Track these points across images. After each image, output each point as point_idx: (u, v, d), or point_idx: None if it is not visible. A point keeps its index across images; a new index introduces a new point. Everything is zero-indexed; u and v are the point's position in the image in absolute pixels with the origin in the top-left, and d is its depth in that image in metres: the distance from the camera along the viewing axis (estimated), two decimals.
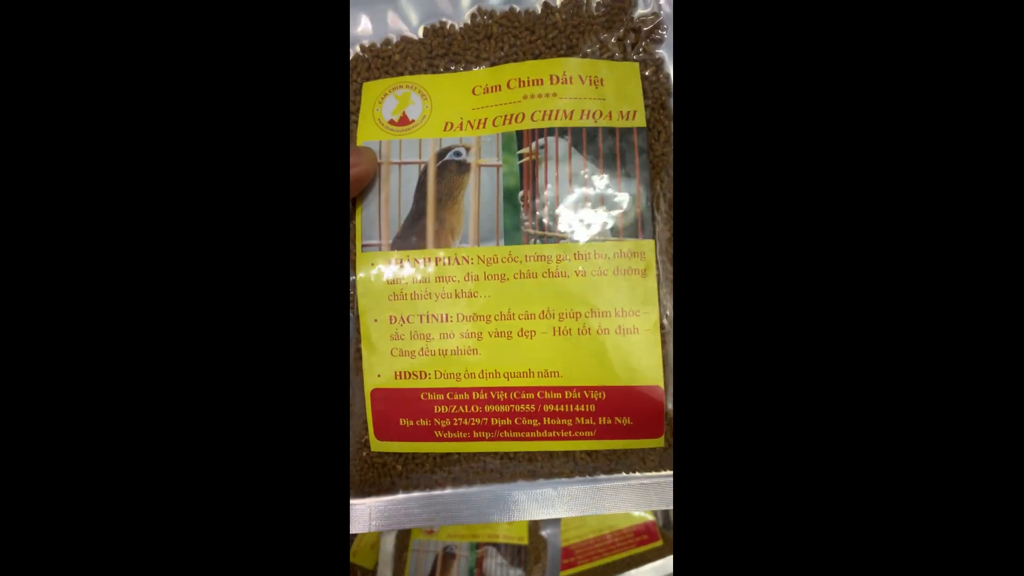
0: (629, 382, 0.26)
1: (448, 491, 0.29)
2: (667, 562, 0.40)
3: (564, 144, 0.27)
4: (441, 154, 0.28)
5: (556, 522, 0.43)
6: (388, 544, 0.41)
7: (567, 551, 0.41)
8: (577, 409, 0.27)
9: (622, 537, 0.42)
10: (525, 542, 0.42)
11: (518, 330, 0.27)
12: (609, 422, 0.27)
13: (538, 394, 0.27)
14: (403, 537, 0.41)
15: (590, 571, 0.40)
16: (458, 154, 0.28)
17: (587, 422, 0.27)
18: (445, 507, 0.29)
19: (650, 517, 0.44)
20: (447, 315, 0.27)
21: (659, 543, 0.42)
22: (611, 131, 0.27)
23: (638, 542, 0.41)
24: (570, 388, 0.27)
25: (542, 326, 0.26)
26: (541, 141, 0.27)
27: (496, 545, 0.41)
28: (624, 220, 0.27)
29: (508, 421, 0.27)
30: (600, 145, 0.27)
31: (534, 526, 0.42)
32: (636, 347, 0.26)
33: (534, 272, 0.27)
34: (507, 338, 0.27)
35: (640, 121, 0.27)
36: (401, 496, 0.29)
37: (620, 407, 0.26)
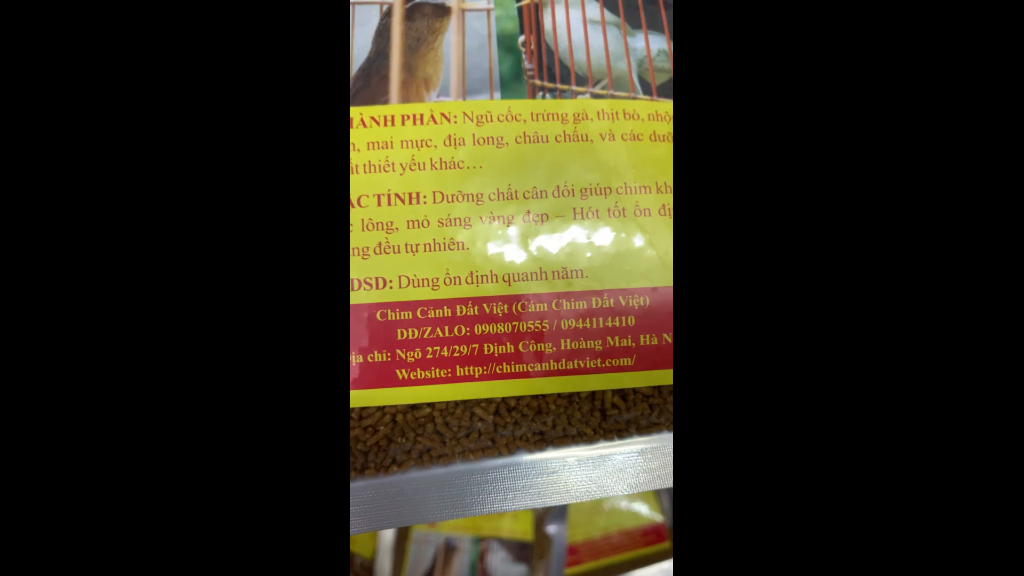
0: None
1: (411, 474, 0.19)
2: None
3: None
4: None
5: (563, 519, 0.39)
6: (387, 533, 0.39)
7: (572, 549, 0.38)
8: (610, 324, 0.18)
9: (629, 537, 0.38)
10: (530, 538, 0.38)
11: (523, 213, 0.19)
12: (655, 341, 0.19)
13: (553, 304, 0.18)
14: (403, 527, 0.38)
15: (595, 570, 0.37)
16: None
17: (624, 343, 0.18)
18: (403, 501, 0.19)
19: (659, 518, 0.39)
20: (419, 194, 0.18)
21: (667, 544, 0.38)
22: None
23: (645, 542, 0.38)
24: (599, 293, 0.18)
25: (557, 207, 0.19)
26: None
27: (499, 540, 0.38)
28: (658, 78, 0.20)
29: (509, 347, 0.18)
30: None
31: (539, 522, 0.39)
32: None
33: (544, 135, 0.19)
34: (507, 224, 0.18)
35: None
36: None
37: (670, 317, 0.19)
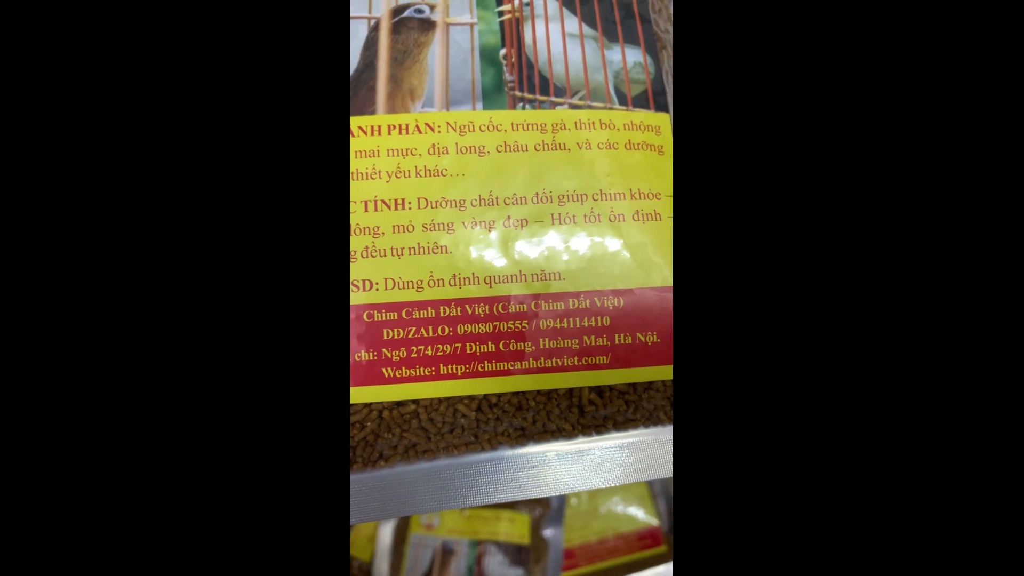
0: (654, 282, 0.19)
1: (398, 468, 0.20)
2: (670, 567, 0.37)
3: (554, 3, 0.22)
4: (398, 11, 0.21)
5: (559, 523, 0.39)
6: (385, 536, 0.39)
7: (568, 552, 0.38)
8: (586, 324, 0.19)
9: (625, 541, 0.39)
10: (526, 541, 0.39)
11: (504, 218, 0.19)
12: (629, 340, 0.19)
13: (532, 305, 0.19)
14: (401, 530, 0.39)
15: (591, 574, 0.38)
16: (420, 11, 0.21)
17: (600, 342, 0.19)
18: (390, 494, 0.20)
19: (655, 522, 0.39)
20: (404, 200, 0.19)
21: (662, 548, 0.38)
22: None
23: (641, 546, 0.38)
24: (576, 295, 0.19)
25: (536, 212, 0.19)
26: None
27: (496, 543, 0.39)
28: (633, 89, 0.21)
29: (490, 347, 0.19)
30: (596, 8, 0.22)
31: (536, 525, 0.39)
32: (661, 237, 0.20)
33: (524, 144, 0.20)
34: (488, 229, 0.19)
35: None
36: None
37: (644, 318, 0.19)
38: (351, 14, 0.21)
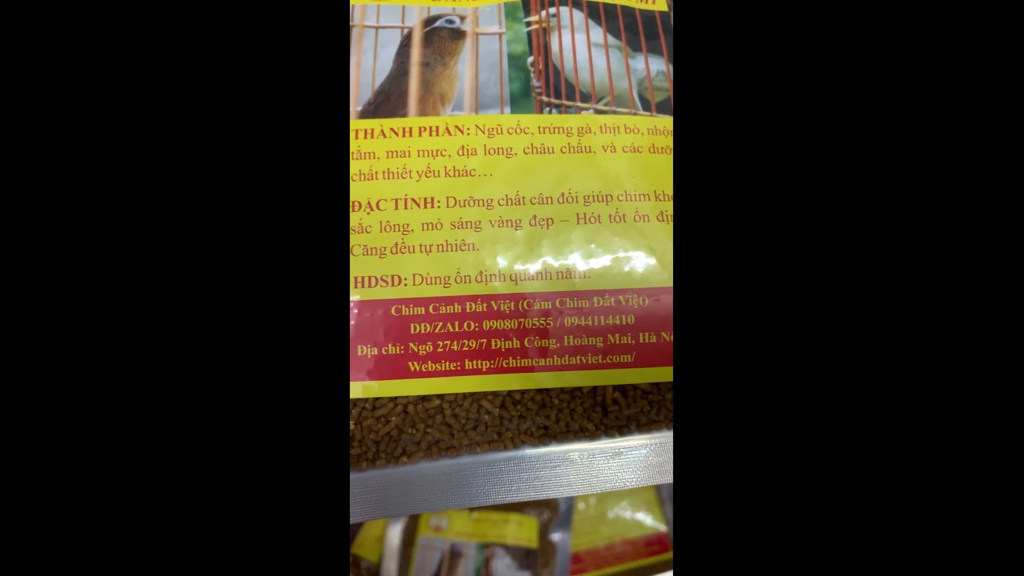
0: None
1: (421, 465, 0.19)
2: None
3: (580, 15, 0.21)
4: (430, 20, 0.21)
5: (567, 527, 0.38)
6: (394, 538, 0.37)
7: (576, 557, 0.36)
8: (610, 322, 0.18)
9: (633, 546, 0.37)
10: (534, 545, 0.37)
11: (530, 218, 0.18)
12: (653, 339, 0.18)
13: (557, 302, 0.18)
14: (410, 531, 0.38)
15: None
16: (451, 21, 0.21)
17: (624, 340, 0.18)
18: (412, 490, 0.19)
19: (663, 528, 0.37)
20: (434, 199, 0.19)
21: (670, 554, 0.36)
22: (630, 10, 0.22)
23: (649, 552, 0.37)
24: (600, 293, 0.18)
25: (562, 212, 0.19)
26: (552, 10, 0.21)
27: (504, 547, 0.37)
28: (657, 96, 0.20)
29: (515, 343, 0.18)
30: (620, 20, 0.21)
31: (544, 529, 0.38)
32: None
33: (550, 146, 0.19)
34: (515, 228, 0.18)
35: (661, 5, 0.22)
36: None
37: (669, 317, 0.18)
38: (386, 24, 0.21)
